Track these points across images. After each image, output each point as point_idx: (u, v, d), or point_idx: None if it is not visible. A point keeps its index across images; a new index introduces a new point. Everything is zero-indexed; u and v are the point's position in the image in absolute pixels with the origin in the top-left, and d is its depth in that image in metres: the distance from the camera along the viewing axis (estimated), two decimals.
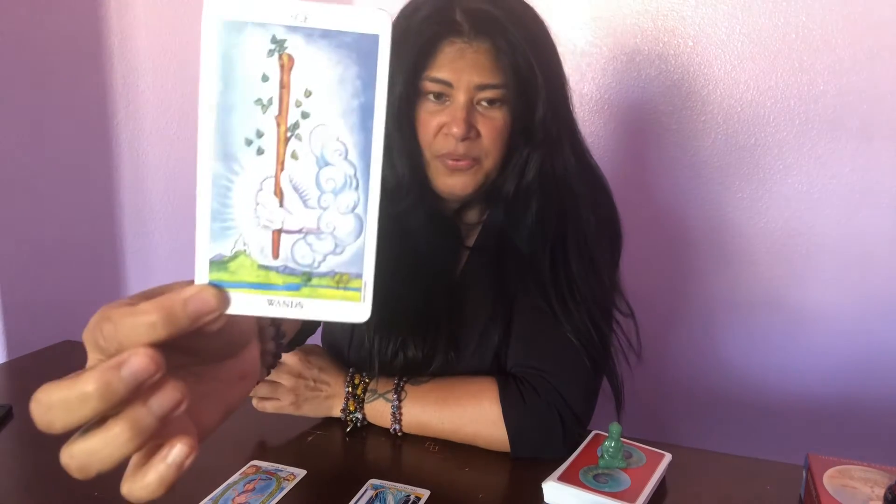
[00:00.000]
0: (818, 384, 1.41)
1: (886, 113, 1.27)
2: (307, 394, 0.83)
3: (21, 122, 1.74)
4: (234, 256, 0.29)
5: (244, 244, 0.29)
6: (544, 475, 0.71)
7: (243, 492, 0.69)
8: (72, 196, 1.88)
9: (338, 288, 0.30)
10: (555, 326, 0.82)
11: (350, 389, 0.84)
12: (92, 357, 0.28)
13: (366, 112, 0.29)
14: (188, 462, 0.28)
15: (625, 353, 0.90)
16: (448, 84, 0.79)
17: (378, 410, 0.83)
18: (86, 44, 1.84)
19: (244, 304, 0.29)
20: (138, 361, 0.26)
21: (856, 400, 1.39)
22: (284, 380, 0.83)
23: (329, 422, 0.85)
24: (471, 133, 0.80)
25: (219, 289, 0.29)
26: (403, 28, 0.80)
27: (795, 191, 1.35)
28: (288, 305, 0.30)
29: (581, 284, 0.84)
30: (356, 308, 0.30)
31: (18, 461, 0.78)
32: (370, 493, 0.70)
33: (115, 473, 0.29)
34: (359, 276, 0.30)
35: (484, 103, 0.81)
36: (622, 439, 0.75)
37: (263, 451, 0.78)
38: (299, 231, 0.29)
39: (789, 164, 1.35)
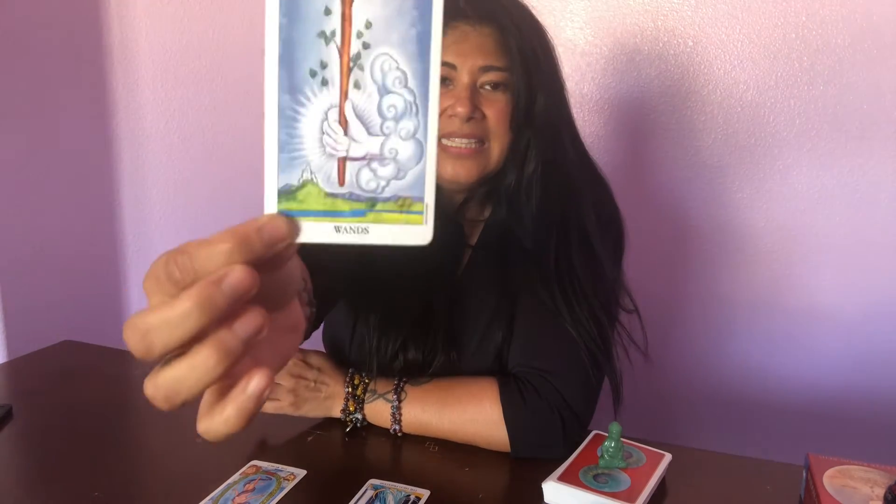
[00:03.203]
0: (818, 384, 1.41)
1: (886, 113, 1.27)
2: (307, 394, 0.83)
3: (21, 122, 1.74)
4: (302, 185, 0.30)
5: (311, 173, 0.30)
6: (544, 475, 0.71)
7: (243, 492, 0.69)
8: (72, 196, 1.88)
9: (401, 212, 0.31)
10: (556, 325, 0.82)
11: (350, 390, 0.84)
12: (155, 300, 0.28)
13: (423, 40, 0.30)
14: (266, 393, 0.28)
15: (626, 351, 0.90)
16: (452, 66, 0.81)
17: (378, 411, 0.83)
18: (86, 44, 1.84)
19: (313, 231, 0.30)
20: (236, 275, 0.26)
21: (856, 400, 1.39)
22: (284, 380, 0.83)
23: (329, 422, 0.85)
24: (475, 114, 0.82)
25: (289, 217, 0.29)
26: None
27: (795, 191, 1.35)
28: (354, 231, 0.30)
29: (583, 279, 0.85)
30: (419, 230, 0.31)
31: (18, 461, 0.78)
32: (370, 493, 0.70)
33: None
34: (420, 199, 0.31)
35: (488, 87, 0.83)
36: (622, 439, 0.75)
37: (263, 451, 0.78)
38: (363, 158, 0.30)
39: (789, 164, 1.35)
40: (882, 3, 1.24)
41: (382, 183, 0.30)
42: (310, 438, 0.82)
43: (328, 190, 0.30)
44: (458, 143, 0.83)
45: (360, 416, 0.83)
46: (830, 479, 0.68)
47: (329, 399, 0.84)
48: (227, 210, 1.84)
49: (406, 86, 0.30)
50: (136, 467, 0.77)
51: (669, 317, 1.49)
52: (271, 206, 0.30)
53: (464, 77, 0.81)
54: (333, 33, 0.29)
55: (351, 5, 0.29)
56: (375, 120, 0.30)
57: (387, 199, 0.30)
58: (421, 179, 0.31)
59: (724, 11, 1.33)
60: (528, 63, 0.83)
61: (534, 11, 0.88)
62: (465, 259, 0.92)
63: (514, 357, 0.85)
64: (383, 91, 0.30)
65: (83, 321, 1.86)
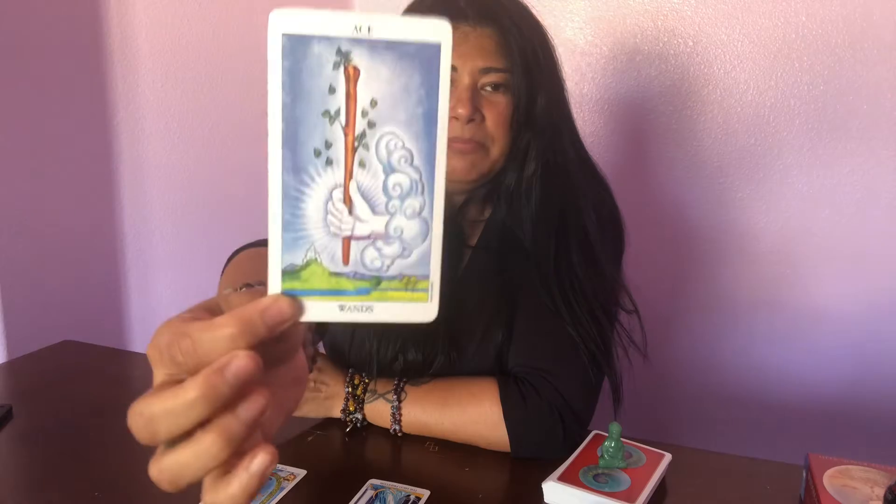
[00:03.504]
0: (818, 384, 1.41)
1: (886, 113, 1.27)
2: (306, 394, 0.83)
3: (21, 122, 1.74)
4: (306, 265, 0.30)
5: (315, 253, 0.30)
6: (544, 475, 0.71)
7: None
8: (72, 196, 1.88)
9: (406, 290, 0.31)
10: (556, 325, 0.82)
11: (350, 390, 0.84)
12: (160, 373, 0.28)
13: (429, 119, 0.30)
14: (269, 470, 0.29)
15: (626, 351, 0.90)
16: (452, 68, 0.80)
17: (378, 411, 0.83)
18: (86, 44, 1.84)
19: (317, 310, 0.30)
20: (240, 363, 0.27)
21: (856, 400, 1.39)
22: None
23: (329, 422, 0.85)
24: (476, 116, 0.82)
25: (293, 298, 0.29)
26: None
27: (795, 191, 1.35)
28: (359, 310, 0.30)
29: (583, 279, 0.85)
30: (424, 308, 0.31)
31: (18, 461, 0.78)
32: (370, 493, 0.70)
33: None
34: (426, 277, 0.31)
35: (488, 88, 0.83)
36: (622, 439, 0.75)
37: None
38: (368, 237, 0.30)
39: (789, 164, 1.35)
40: (882, 3, 1.24)
41: (387, 262, 0.30)
42: (310, 438, 0.82)
43: (332, 269, 0.30)
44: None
45: (360, 416, 0.83)
46: (830, 479, 0.68)
47: (329, 399, 0.84)
48: (228, 210, 1.84)
49: (412, 164, 0.30)
50: (137, 467, 0.77)
51: (669, 317, 1.49)
52: (275, 286, 0.30)
53: (464, 78, 0.81)
54: (338, 112, 0.29)
55: (356, 84, 0.29)
56: (381, 199, 0.30)
57: (392, 278, 0.31)
58: (426, 258, 0.31)
59: (724, 11, 1.33)
60: (528, 64, 0.83)
61: (534, 12, 0.88)
62: (464, 259, 0.92)
63: (513, 357, 0.85)
64: (389, 170, 0.30)
65: (83, 321, 1.86)
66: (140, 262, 2.00)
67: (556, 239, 0.86)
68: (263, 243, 0.89)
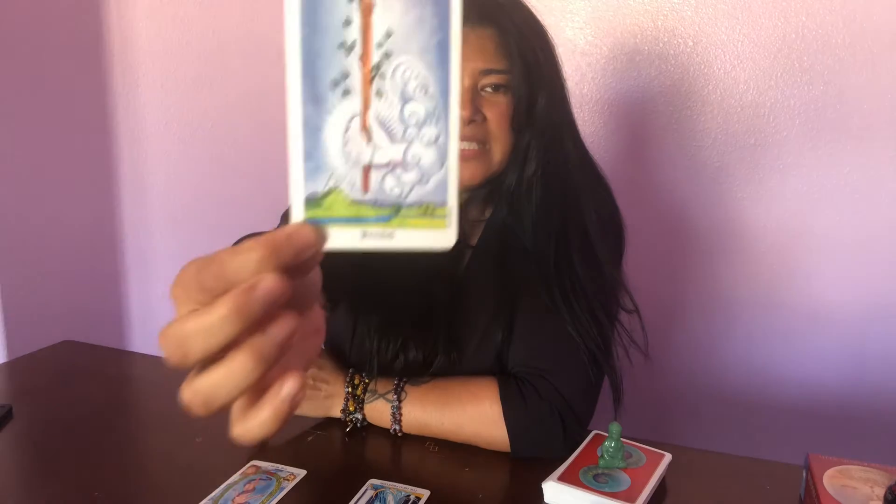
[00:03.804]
0: (818, 384, 1.41)
1: (886, 113, 1.27)
2: (306, 393, 0.83)
3: (21, 122, 1.74)
4: (328, 193, 0.30)
5: (336, 181, 0.30)
6: (544, 475, 0.71)
7: (243, 492, 0.69)
8: (72, 196, 1.88)
9: (425, 216, 0.31)
10: (556, 325, 0.82)
11: (350, 390, 0.84)
12: (184, 308, 0.29)
13: (442, 48, 0.30)
14: (300, 397, 0.29)
15: (627, 350, 0.90)
16: None
17: (378, 411, 0.83)
18: (86, 44, 1.84)
19: (340, 237, 0.31)
20: (269, 283, 0.27)
21: (856, 400, 1.39)
22: None
23: (329, 422, 0.85)
24: (476, 116, 0.82)
25: (316, 224, 0.30)
26: None
27: (795, 191, 1.35)
28: (380, 236, 0.31)
29: (583, 279, 0.85)
30: (443, 234, 0.32)
31: (18, 461, 0.78)
32: (370, 493, 0.70)
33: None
34: (444, 203, 0.31)
35: (488, 89, 0.83)
36: (622, 439, 0.75)
37: (263, 451, 0.78)
38: (387, 164, 0.31)
39: (789, 164, 1.35)
40: (882, 3, 1.24)
41: (406, 189, 0.31)
42: (310, 438, 0.82)
43: (353, 197, 0.31)
44: (460, 145, 0.83)
45: (359, 416, 0.83)
46: (830, 479, 0.68)
47: (329, 399, 0.84)
48: (228, 209, 1.84)
49: (427, 93, 0.30)
50: (136, 467, 0.77)
51: (669, 317, 1.49)
52: (298, 214, 0.30)
53: (464, 80, 0.81)
54: (354, 43, 0.30)
55: (371, 15, 0.30)
56: (398, 127, 0.31)
57: (411, 205, 0.31)
58: (444, 184, 0.31)
59: (724, 11, 1.33)
60: (528, 65, 0.83)
61: (534, 12, 0.88)
62: (465, 259, 0.92)
63: (514, 357, 0.85)
64: (405, 99, 0.30)
65: (83, 321, 1.86)
66: (140, 262, 2.00)
67: (556, 238, 0.86)
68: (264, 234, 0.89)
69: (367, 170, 0.31)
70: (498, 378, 0.82)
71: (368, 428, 0.84)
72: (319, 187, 0.30)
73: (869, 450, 1.37)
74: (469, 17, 0.81)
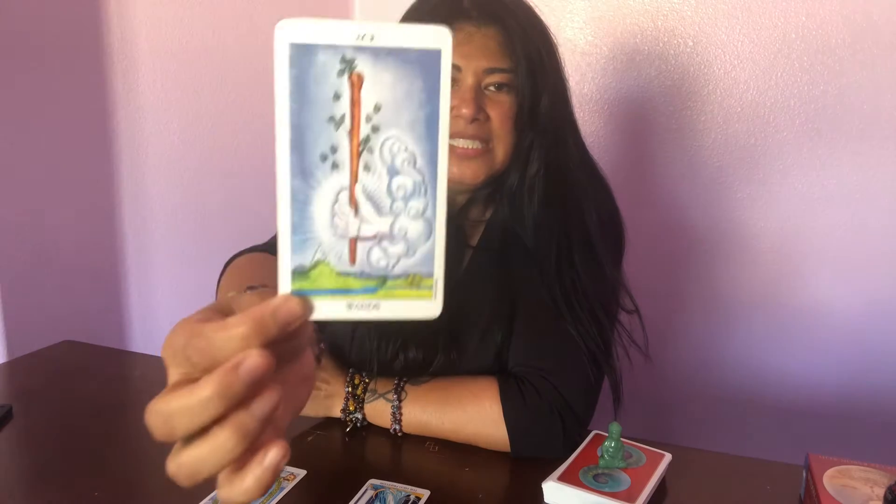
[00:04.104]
0: (818, 384, 1.41)
1: (886, 113, 1.27)
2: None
3: (21, 122, 1.74)
4: (315, 265, 0.31)
5: (323, 253, 0.31)
6: (544, 475, 0.71)
7: None
8: (72, 196, 1.88)
9: (411, 288, 0.32)
10: (557, 325, 0.82)
11: (350, 389, 0.84)
12: (174, 372, 0.30)
13: (431, 122, 0.31)
14: (283, 464, 0.30)
15: (626, 350, 0.90)
16: (456, 68, 0.81)
17: (378, 410, 0.83)
18: (86, 44, 1.84)
19: (326, 309, 0.31)
20: (253, 361, 0.28)
21: (856, 400, 1.39)
22: None
23: (329, 422, 0.85)
24: (480, 115, 0.82)
25: (302, 297, 0.30)
26: (415, 19, 0.84)
27: (795, 191, 1.35)
28: (366, 307, 0.32)
29: (584, 279, 0.85)
30: (429, 305, 0.33)
31: (18, 461, 0.78)
32: (370, 493, 0.70)
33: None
34: (430, 274, 0.32)
35: (492, 88, 0.83)
36: (622, 439, 0.75)
37: None
38: (374, 237, 0.31)
39: (789, 164, 1.35)
40: (882, 3, 1.24)
41: (393, 261, 0.32)
42: (310, 438, 0.82)
43: (340, 269, 0.31)
44: (462, 144, 0.83)
45: (359, 416, 0.83)
46: (830, 479, 0.68)
47: (329, 398, 0.84)
48: (228, 209, 1.84)
49: (415, 167, 0.31)
50: (136, 467, 0.77)
51: (669, 317, 1.49)
52: (285, 286, 0.31)
53: (468, 78, 0.81)
54: (343, 118, 0.30)
55: (360, 90, 0.30)
56: (385, 200, 0.31)
57: (397, 276, 0.32)
58: (430, 256, 0.32)
59: (724, 11, 1.33)
60: (532, 64, 0.83)
61: (538, 12, 0.88)
62: (465, 259, 0.92)
63: (514, 356, 0.85)
64: (392, 172, 0.31)
65: (83, 321, 1.86)
66: (140, 262, 2.00)
67: (558, 238, 0.86)
68: (256, 249, 0.89)
69: (353, 242, 0.31)
70: (498, 378, 0.82)
71: (368, 428, 0.84)
72: (307, 260, 0.31)
73: (869, 450, 1.37)
74: (473, 16, 0.81)
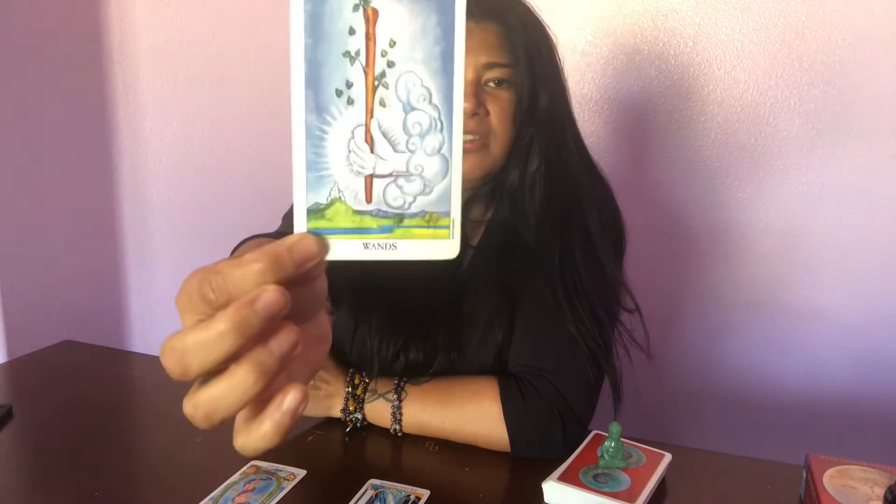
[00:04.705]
0: (818, 384, 1.41)
1: (886, 113, 1.27)
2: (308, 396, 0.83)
3: (21, 122, 1.74)
4: (331, 203, 0.30)
5: (339, 191, 0.30)
6: (544, 475, 0.71)
7: (243, 492, 0.69)
8: (72, 196, 1.88)
9: (428, 227, 0.31)
10: (557, 324, 0.82)
11: (350, 390, 0.84)
12: (188, 318, 0.29)
13: (446, 57, 0.30)
14: (301, 408, 0.29)
15: (627, 350, 0.90)
16: None
17: (378, 410, 0.83)
18: (86, 44, 1.84)
19: (342, 248, 0.31)
20: (269, 296, 0.27)
21: (856, 400, 1.39)
22: None
23: (329, 422, 0.85)
24: (479, 110, 0.82)
25: (318, 235, 0.30)
26: None
27: (795, 191, 1.35)
28: (383, 248, 0.31)
29: (585, 278, 0.85)
30: (446, 245, 0.32)
31: (18, 461, 0.78)
32: (370, 493, 0.70)
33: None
34: (447, 213, 0.31)
35: (492, 83, 0.83)
36: (622, 439, 0.75)
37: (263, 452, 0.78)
38: (390, 175, 0.31)
39: (789, 164, 1.35)
40: (882, 4, 1.24)
41: (409, 199, 0.31)
42: (310, 438, 0.82)
43: (356, 207, 0.31)
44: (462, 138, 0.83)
45: (359, 416, 0.83)
46: (830, 479, 0.68)
47: (329, 398, 0.84)
48: (228, 209, 1.84)
49: (430, 102, 0.30)
50: (136, 467, 0.77)
51: (669, 317, 1.49)
52: (301, 224, 0.30)
53: (468, 73, 0.81)
54: (358, 53, 0.30)
55: (375, 24, 0.30)
56: (401, 137, 0.31)
57: (414, 215, 0.31)
58: (447, 194, 0.31)
59: (724, 11, 1.33)
60: (531, 60, 0.83)
61: (537, 10, 0.89)
62: (466, 259, 0.92)
63: (514, 356, 0.85)
64: (408, 108, 0.30)
65: (83, 321, 1.86)
66: (140, 262, 2.00)
67: (560, 236, 0.86)
68: (265, 236, 0.89)
69: (369, 180, 0.31)
70: (498, 377, 0.82)
71: (368, 428, 0.84)
72: (322, 198, 0.30)
73: (869, 450, 1.37)
74: (473, 12, 0.81)
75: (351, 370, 0.86)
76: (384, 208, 0.31)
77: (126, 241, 1.99)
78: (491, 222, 0.92)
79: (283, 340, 0.28)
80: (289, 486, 0.71)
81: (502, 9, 0.83)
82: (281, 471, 0.73)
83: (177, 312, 0.30)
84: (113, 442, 0.82)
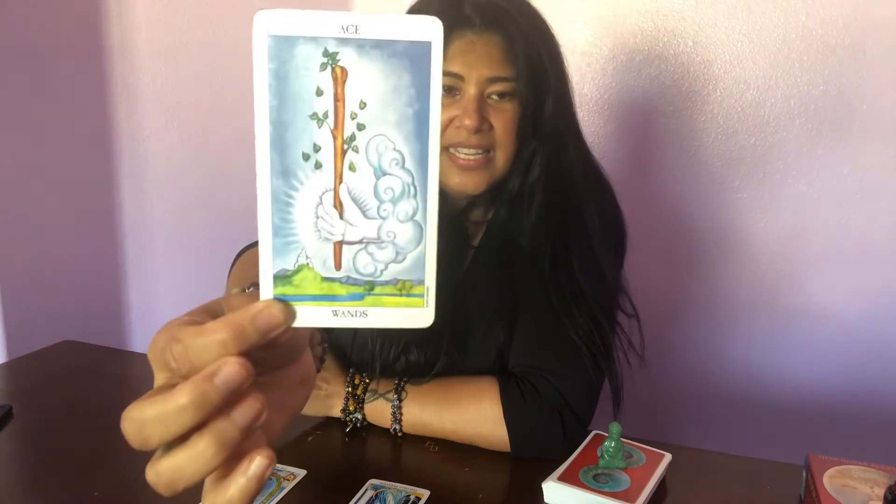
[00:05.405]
0: (818, 384, 1.41)
1: (886, 113, 1.27)
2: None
3: (21, 123, 1.74)
4: (298, 270, 0.29)
5: (307, 257, 0.29)
6: (544, 475, 0.71)
7: None
8: (72, 196, 1.88)
9: (401, 295, 0.30)
10: (557, 326, 0.82)
11: (350, 389, 0.84)
12: (159, 376, 0.29)
13: (421, 120, 0.29)
14: (268, 473, 0.29)
15: (626, 354, 0.90)
16: (459, 77, 0.80)
17: (378, 410, 0.83)
18: (86, 44, 1.84)
19: (310, 316, 0.30)
20: (230, 370, 0.27)
21: (856, 400, 1.39)
22: None
23: (329, 422, 0.85)
24: (483, 125, 0.81)
25: (285, 303, 0.29)
26: None
27: (795, 191, 1.35)
28: (352, 315, 0.30)
29: (583, 283, 0.85)
30: (420, 313, 0.30)
31: (18, 461, 0.78)
32: (370, 493, 0.70)
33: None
34: (421, 282, 0.30)
35: (495, 96, 0.82)
36: (622, 439, 0.75)
37: None
38: (360, 241, 0.30)
39: (789, 164, 1.35)
40: (882, 4, 1.24)
41: (381, 266, 0.30)
42: (310, 438, 0.82)
43: (324, 274, 0.30)
44: (465, 154, 0.82)
45: (360, 416, 0.83)
46: (830, 479, 0.68)
47: (329, 398, 0.84)
48: (227, 210, 1.84)
49: (403, 167, 0.29)
50: (136, 467, 0.77)
51: (670, 317, 1.49)
52: (267, 291, 0.29)
53: (471, 88, 0.80)
54: (326, 115, 0.28)
55: (344, 85, 0.28)
56: (372, 203, 0.29)
57: (385, 283, 0.30)
58: (421, 262, 0.30)
59: (724, 11, 1.33)
60: (534, 72, 0.82)
61: (542, 16, 0.87)
62: (467, 259, 0.92)
63: (515, 357, 0.85)
64: (379, 173, 0.29)
65: (83, 321, 1.86)
66: (140, 262, 2.00)
67: (554, 244, 0.86)
68: None
69: (338, 247, 0.30)
70: (498, 378, 0.82)
71: (368, 428, 0.84)
72: (289, 264, 0.29)
73: (869, 450, 1.37)
74: (476, 24, 0.81)
75: (351, 370, 0.86)
76: (354, 276, 0.30)
77: (126, 241, 1.99)
78: (492, 223, 0.92)
79: (245, 411, 0.28)
80: (289, 486, 0.71)
81: (505, 20, 0.82)
82: (281, 471, 0.73)
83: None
84: (113, 442, 0.81)
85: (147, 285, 2.00)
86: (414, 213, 0.30)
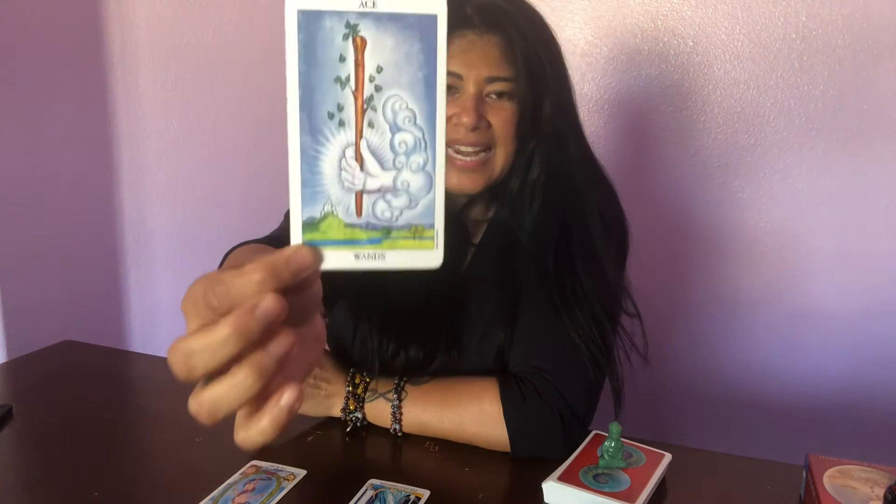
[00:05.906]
0: (818, 384, 1.41)
1: (886, 113, 1.27)
2: (307, 391, 0.83)
3: (21, 123, 1.74)
4: (324, 217, 0.33)
5: (332, 206, 0.33)
6: (544, 475, 0.71)
7: (243, 492, 0.69)
8: (71, 196, 1.88)
9: (414, 238, 0.34)
10: (558, 325, 0.82)
11: (350, 389, 0.84)
12: (193, 322, 0.31)
13: (429, 82, 0.33)
14: (298, 405, 0.31)
15: (627, 354, 0.90)
16: (458, 76, 0.81)
17: (378, 410, 0.83)
18: (86, 44, 1.84)
19: (335, 258, 0.33)
20: (268, 303, 0.29)
21: (856, 400, 1.39)
22: None
23: (329, 422, 0.85)
24: (481, 123, 0.82)
25: (313, 247, 0.32)
26: None
27: (795, 191, 1.35)
28: (372, 258, 0.34)
29: (584, 282, 0.84)
30: (431, 254, 0.34)
31: (18, 461, 0.78)
32: (370, 493, 0.70)
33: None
34: (431, 225, 0.34)
35: (493, 95, 0.83)
36: (622, 439, 0.75)
37: (263, 451, 0.78)
38: (378, 190, 0.33)
39: (789, 164, 1.35)
40: (882, 4, 1.24)
41: (396, 212, 0.34)
42: (310, 438, 0.82)
43: (347, 221, 0.33)
44: (463, 153, 0.82)
45: (360, 416, 0.83)
46: (830, 479, 0.68)
47: (329, 398, 0.84)
48: (227, 209, 1.84)
49: (415, 123, 0.33)
50: (136, 467, 0.77)
51: (669, 316, 1.49)
52: (297, 236, 0.33)
53: (469, 87, 0.81)
54: (348, 78, 0.32)
55: (363, 52, 0.32)
56: (388, 155, 0.33)
57: (401, 228, 0.34)
58: (431, 208, 0.34)
59: (724, 11, 1.33)
60: (533, 72, 0.82)
61: (541, 15, 0.87)
62: (467, 258, 0.92)
63: (515, 356, 0.85)
64: (395, 129, 0.33)
65: (83, 321, 1.86)
66: (140, 262, 2.00)
67: (556, 243, 0.86)
68: (256, 242, 0.89)
69: (359, 196, 0.33)
70: (498, 377, 0.82)
71: (368, 428, 0.84)
72: (316, 212, 0.33)
73: (869, 450, 1.37)
74: (475, 24, 0.81)
75: (351, 370, 0.86)
76: (373, 221, 0.33)
77: (126, 240, 1.99)
78: (493, 221, 0.92)
79: (280, 344, 0.30)
80: (289, 486, 0.71)
81: (505, 20, 0.82)
82: (281, 471, 0.73)
83: (176, 312, 0.31)
84: (113, 442, 0.82)
85: (147, 285, 2.00)
86: (425, 164, 0.33)
